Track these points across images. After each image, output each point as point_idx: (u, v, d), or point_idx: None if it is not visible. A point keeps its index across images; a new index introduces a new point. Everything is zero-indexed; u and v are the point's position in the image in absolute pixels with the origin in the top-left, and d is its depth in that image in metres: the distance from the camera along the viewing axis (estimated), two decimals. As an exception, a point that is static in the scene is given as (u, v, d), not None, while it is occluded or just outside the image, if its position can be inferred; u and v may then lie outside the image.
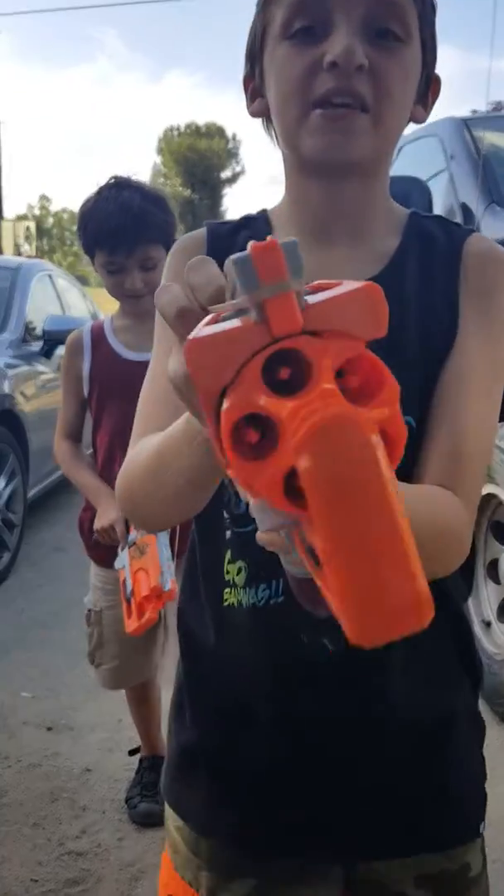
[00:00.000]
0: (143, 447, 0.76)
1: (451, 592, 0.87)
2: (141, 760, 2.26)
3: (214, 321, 0.44)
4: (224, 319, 0.43)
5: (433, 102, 0.86)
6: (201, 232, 0.90)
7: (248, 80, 0.87)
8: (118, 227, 1.83)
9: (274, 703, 0.84)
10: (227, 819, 0.87)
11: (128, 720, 2.59)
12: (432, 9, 0.81)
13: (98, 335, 2.01)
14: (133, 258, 1.87)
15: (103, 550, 1.96)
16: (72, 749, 2.50)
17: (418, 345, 0.79)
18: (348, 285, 0.42)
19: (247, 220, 0.90)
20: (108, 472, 1.95)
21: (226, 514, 0.85)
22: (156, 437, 0.72)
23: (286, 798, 0.85)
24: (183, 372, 0.51)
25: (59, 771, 2.37)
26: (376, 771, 0.85)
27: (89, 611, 2.08)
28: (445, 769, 0.87)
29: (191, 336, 0.40)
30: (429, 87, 0.85)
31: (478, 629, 2.69)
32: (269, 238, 0.40)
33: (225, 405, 0.40)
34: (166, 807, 0.95)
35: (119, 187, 1.90)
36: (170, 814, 0.94)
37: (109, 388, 1.95)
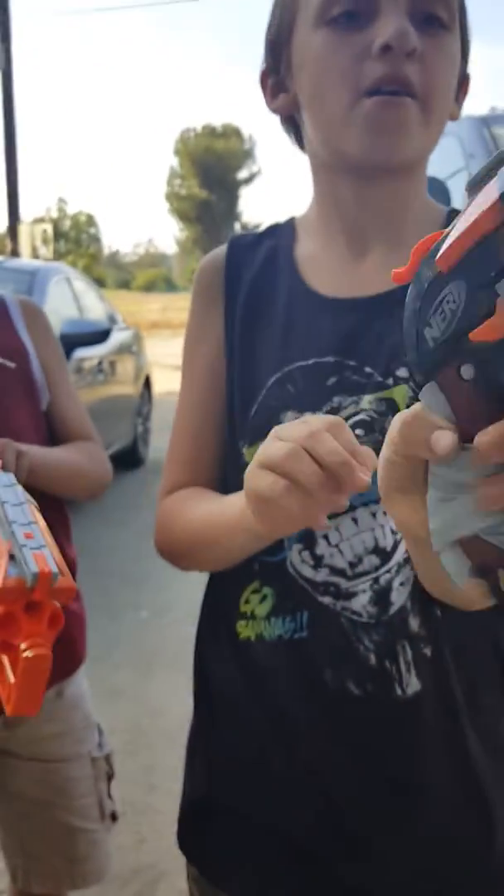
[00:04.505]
0: (188, 508, 0.80)
1: None
2: None
3: None
4: None
5: (463, 101, 0.80)
6: (220, 250, 0.86)
7: (267, 75, 0.81)
8: None
9: (290, 748, 0.77)
10: (243, 873, 0.80)
11: (147, 724, 2.60)
12: None
13: None
14: None
15: None
16: (91, 751, 2.49)
17: None
18: None
19: (272, 230, 0.86)
20: None
21: None
22: (203, 502, 0.78)
23: (307, 854, 0.77)
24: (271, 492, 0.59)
25: (79, 773, 2.37)
26: (409, 833, 0.75)
27: None
28: (490, 836, 0.76)
29: None
30: (461, 84, 0.79)
31: None
32: None
33: None
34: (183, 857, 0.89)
35: None
36: (187, 864, 0.88)
37: None
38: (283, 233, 0.84)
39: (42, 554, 0.54)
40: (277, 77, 0.80)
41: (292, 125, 0.82)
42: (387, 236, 0.77)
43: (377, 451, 0.68)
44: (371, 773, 0.75)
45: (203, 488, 0.83)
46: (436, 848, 0.75)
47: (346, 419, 0.71)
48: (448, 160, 3.42)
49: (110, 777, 1.35)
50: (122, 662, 3.03)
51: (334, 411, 0.73)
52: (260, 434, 0.73)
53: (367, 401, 0.73)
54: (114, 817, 1.35)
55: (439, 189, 2.97)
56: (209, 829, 0.84)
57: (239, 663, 0.80)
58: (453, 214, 0.80)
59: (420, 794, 0.75)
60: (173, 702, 2.68)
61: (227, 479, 0.82)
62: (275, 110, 0.82)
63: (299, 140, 0.82)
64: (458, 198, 3.17)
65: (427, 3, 0.71)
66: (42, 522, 0.61)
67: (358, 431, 0.71)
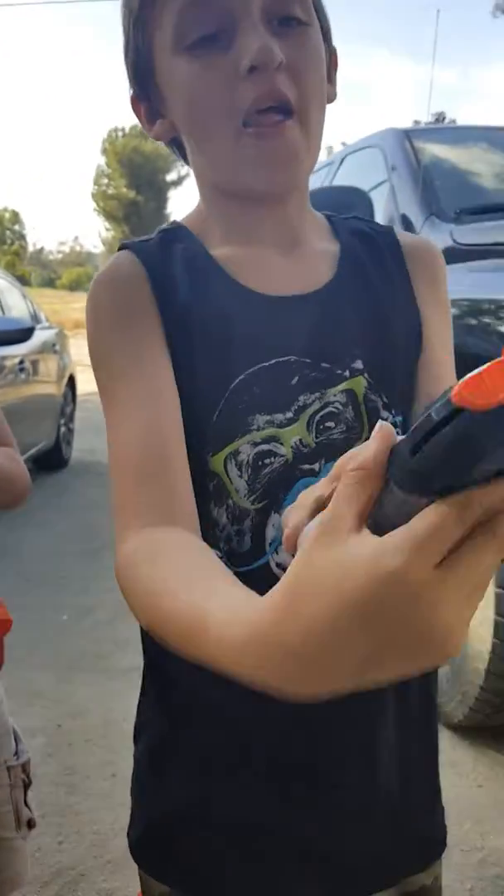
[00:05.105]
0: (165, 587, 0.56)
1: None
2: None
3: None
4: None
5: (335, 76, 0.79)
6: (127, 259, 0.76)
7: (138, 101, 0.78)
8: None
9: (265, 745, 0.76)
10: (218, 878, 0.79)
11: (67, 726, 2.58)
12: None
13: None
14: None
15: None
16: (10, 755, 2.47)
17: (397, 339, 0.77)
18: None
19: (168, 234, 0.79)
20: None
21: (221, 552, 0.72)
22: (182, 598, 0.53)
23: (277, 848, 0.78)
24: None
25: (-3, 777, 2.34)
26: (370, 805, 0.79)
27: None
28: (429, 792, 0.85)
29: None
30: (331, 61, 0.77)
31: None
32: None
33: None
34: (143, 876, 0.85)
35: None
36: (149, 882, 0.84)
37: None
38: (184, 236, 0.79)
39: None
40: (149, 104, 0.78)
41: (176, 144, 0.81)
42: (286, 241, 0.77)
43: (346, 441, 0.72)
44: (357, 747, 0.77)
45: (182, 541, 0.62)
46: (395, 809, 0.79)
47: (315, 414, 0.72)
48: (371, 172, 3.48)
49: (27, 785, 1.33)
50: (43, 665, 3.00)
51: (301, 409, 0.72)
52: (226, 440, 0.71)
53: (330, 393, 0.73)
54: (31, 825, 1.33)
55: (363, 200, 3.02)
56: (175, 840, 0.81)
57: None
58: (335, 218, 0.84)
59: (375, 759, 0.78)
60: (94, 704, 2.67)
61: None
62: (156, 137, 0.79)
63: (185, 158, 0.81)
64: (380, 209, 3.24)
65: (281, 7, 0.69)
66: None
67: (329, 424, 0.73)
